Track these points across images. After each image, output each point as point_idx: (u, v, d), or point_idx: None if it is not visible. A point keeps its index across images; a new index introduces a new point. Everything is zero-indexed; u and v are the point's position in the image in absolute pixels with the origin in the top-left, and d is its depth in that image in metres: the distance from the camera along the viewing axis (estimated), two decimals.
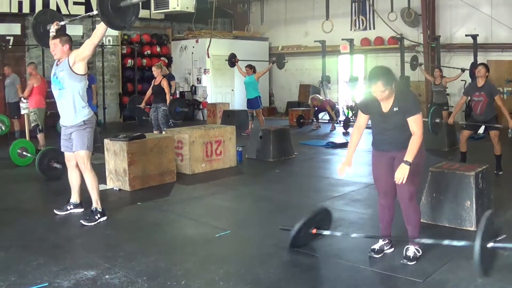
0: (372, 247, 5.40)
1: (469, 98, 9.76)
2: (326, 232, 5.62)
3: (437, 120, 10.35)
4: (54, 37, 6.75)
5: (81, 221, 6.65)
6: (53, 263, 5.21)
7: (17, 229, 6.50)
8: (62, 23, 7.04)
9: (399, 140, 5.13)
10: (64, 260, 5.34)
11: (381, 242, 5.38)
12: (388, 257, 5.35)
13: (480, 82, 9.27)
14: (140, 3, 6.49)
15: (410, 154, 4.97)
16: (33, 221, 6.91)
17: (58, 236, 6.26)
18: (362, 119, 5.46)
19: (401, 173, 4.96)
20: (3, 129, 14.01)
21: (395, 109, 5.05)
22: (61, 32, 6.97)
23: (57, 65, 6.76)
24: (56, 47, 6.68)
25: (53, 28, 6.93)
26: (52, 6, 17.74)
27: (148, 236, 6.27)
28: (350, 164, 5.44)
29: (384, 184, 5.32)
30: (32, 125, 11.79)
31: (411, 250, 5.22)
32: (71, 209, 7.12)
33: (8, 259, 5.39)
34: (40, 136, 11.88)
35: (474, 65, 13.83)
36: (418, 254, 5.22)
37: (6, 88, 14.41)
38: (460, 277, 4.83)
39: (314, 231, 5.52)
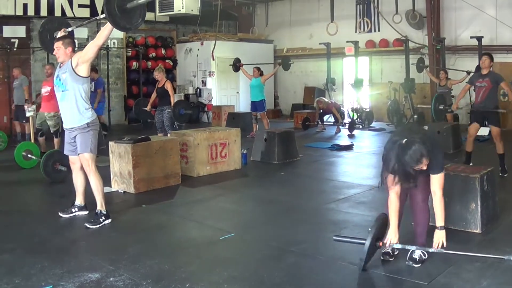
0: (384, 251, 5.34)
1: (472, 87, 9.79)
2: (397, 246, 5.19)
3: (440, 107, 10.38)
4: (57, 40, 6.76)
5: (85, 224, 6.65)
6: (57, 266, 5.21)
7: (22, 232, 6.51)
8: (69, 29, 7.05)
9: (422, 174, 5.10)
10: (68, 263, 5.33)
11: (394, 246, 5.30)
12: (393, 260, 5.33)
13: (485, 72, 9.29)
14: (146, 5, 6.49)
15: (441, 218, 4.99)
16: (37, 223, 6.92)
17: (63, 239, 6.27)
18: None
19: (439, 239, 4.99)
20: (2, 145, 13.58)
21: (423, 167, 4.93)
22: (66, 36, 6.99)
23: (60, 67, 6.78)
24: (59, 50, 6.70)
25: (60, 35, 6.93)
26: (57, 9, 17.84)
27: (153, 238, 6.26)
28: (397, 235, 5.16)
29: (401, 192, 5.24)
30: (54, 129, 11.49)
31: (417, 253, 5.19)
32: (75, 211, 7.13)
33: (12, 262, 5.39)
34: (56, 141, 11.55)
35: (479, 68, 13.82)
36: (424, 257, 5.19)
37: (15, 90, 14.35)
38: (464, 280, 4.80)
39: (380, 244, 5.17)
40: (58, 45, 6.71)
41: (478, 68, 10.89)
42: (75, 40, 7.04)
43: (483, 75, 9.30)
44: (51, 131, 11.54)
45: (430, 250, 5.06)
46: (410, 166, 4.80)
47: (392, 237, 5.10)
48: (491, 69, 9.39)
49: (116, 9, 6.12)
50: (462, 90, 10.30)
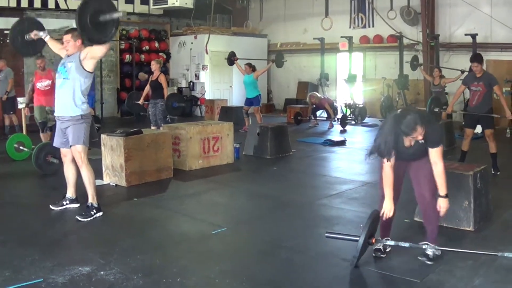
0: (376, 248, 5.32)
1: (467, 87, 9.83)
2: (390, 243, 5.24)
3: (436, 110, 10.40)
4: (66, 33, 6.73)
5: (76, 216, 6.61)
6: (48, 259, 5.18)
7: (12, 224, 6.48)
8: (41, 34, 6.90)
9: (419, 155, 5.09)
10: (59, 256, 5.31)
11: (387, 243, 5.28)
12: (385, 257, 5.31)
13: (479, 74, 9.29)
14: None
15: (443, 187, 5.01)
16: (28, 216, 6.88)
17: (54, 232, 6.24)
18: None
19: (444, 207, 5.05)
20: None
21: (420, 141, 4.93)
22: (43, 44, 7.08)
23: (68, 56, 6.73)
24: (68, 43, 6.68)
25: (33, 37, 6.87)
26: (51, 1, 17.75)
27: (144, 232, 6.23)
28: (393, 207, 5.16)
29: (394, 189, 5.22)
30: (51, 124, 11.01)
31: (431, 249, 5.13)
32: (66, 204, 7.09)
33: (2, 254, 5.35)
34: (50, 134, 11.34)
35: None
36: (437, 254, 5.14)
37: (0, 83, 14.19)
38: (457, 277, 4.80)
39: (373, 240, 5.16)
40: (67, 38, 6.67)
41: None
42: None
43: (478, 78, 9.29)
44: (49, 125, 11.23)
45: (424, 246, 5.05)
46: (406, 135, 4.83)
47: (387, 209, 5.10)
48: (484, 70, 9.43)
49: (88, 23, 6.06)
50: (457, 91, 10.29)
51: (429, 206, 5.18)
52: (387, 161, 5.02)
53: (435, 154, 4.98)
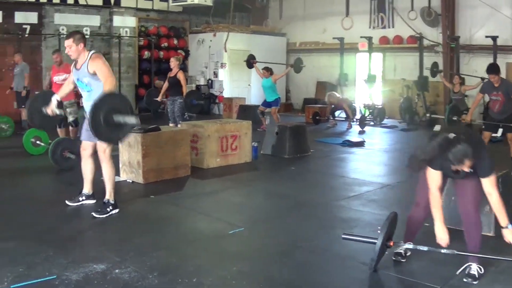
0: (396, 251, 5.23)
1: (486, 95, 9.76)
2: (408, 246, 5.03)
3: (454, 118, 10.35)
4: (67, 37, 6.62)
5: (92, 213, 6.57)
6: (62, 255, 5.14)
7: (27, 220, 6.45)
8: (54, 107, 6.77)
9: (466, 175, 4.78)
10: (73, 253, 5.27)
11: (405, 246, 5.14)
12: (404, 261, 5.22)
13: (497, 83, 9.19)
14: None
15: (504, 217, 4.66)
16: (44, 211, 6.86)
17: (69, 228, 6.21)
18: (439, 177, 4.80)
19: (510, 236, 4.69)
20: (7, 130, 13.48)
21: (469, 170, 4.65)
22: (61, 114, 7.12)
23: (76, 68, 6.64)
24: (71, 48, 6.53)
25: (52, 113, 6.83)
26: None
27: (160, 230, 6.19)
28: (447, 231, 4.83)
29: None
30: (73, 118, 11.03)
31: (474, 268, 4.85)
32: (83, 200, 7.05)
33: (17, 250, 5.32)
34: (73, 130, 11.13)
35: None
36: (481, 272, 4.85)
37: (15, 77, 14.18)
38: (477, 284, 4.70)
39: (391, 243, 4.99)
40: (69, 43, 6.52)
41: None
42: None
43: (496, 88, 9.23)
44: (69, 120, 11.09)
45: (442, 251, 4.91)
46: (452, 164, 4.54)
47: (442, 236, 4.76)
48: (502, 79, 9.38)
49: (102, 123, 5.91)
50: (475, 99, 10.21)
51: (471, 221, 4.87)
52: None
53: (488, 184, 4.68)
